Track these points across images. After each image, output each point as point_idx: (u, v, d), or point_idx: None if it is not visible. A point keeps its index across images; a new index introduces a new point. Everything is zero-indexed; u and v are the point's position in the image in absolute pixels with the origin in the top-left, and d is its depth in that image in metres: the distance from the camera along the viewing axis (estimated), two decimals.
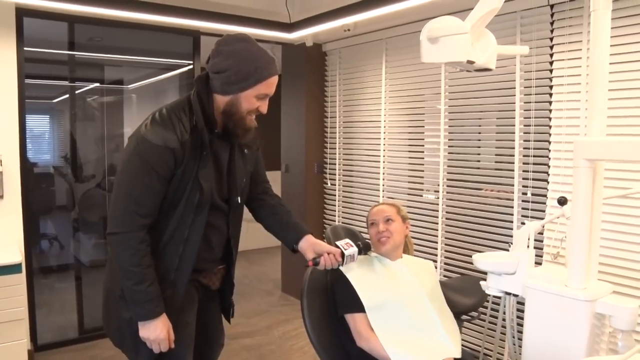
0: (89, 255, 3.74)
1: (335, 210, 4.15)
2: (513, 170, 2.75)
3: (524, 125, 2.71)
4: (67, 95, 3.59)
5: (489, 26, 1.66)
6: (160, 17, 3.16)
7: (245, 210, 1.80)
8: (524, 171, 2.73)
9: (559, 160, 2.52)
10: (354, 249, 1.73)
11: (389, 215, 1.95)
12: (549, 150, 2.58)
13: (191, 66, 3.78)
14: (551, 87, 2.56)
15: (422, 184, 3.44)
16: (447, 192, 3.17)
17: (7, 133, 2.93)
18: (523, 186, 2.73)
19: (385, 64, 3.59)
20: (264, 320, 3.87)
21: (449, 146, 3.16)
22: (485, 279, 1.97)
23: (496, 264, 1.89)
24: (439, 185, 3.19)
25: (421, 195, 3.42)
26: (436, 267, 3.16)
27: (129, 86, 4.05)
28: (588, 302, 1.61)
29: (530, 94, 2.66)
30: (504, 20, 2.70)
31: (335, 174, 4.15)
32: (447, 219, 3.17)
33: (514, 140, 2.75)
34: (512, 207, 2.77)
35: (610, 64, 1.73)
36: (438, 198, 3.20)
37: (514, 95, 2.73)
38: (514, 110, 2.73)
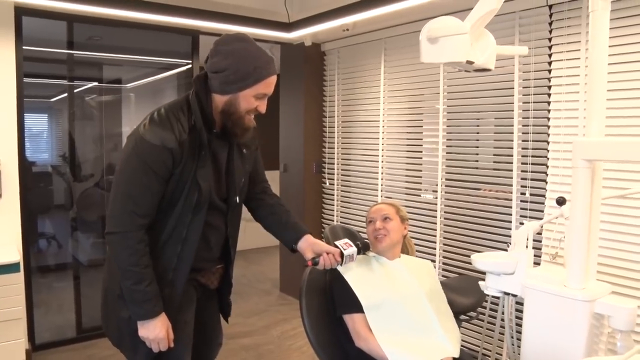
0: (87, 255, 3.73)
1: (333, 210, 4.15)
2: (512, 171, 2.76)
3: (523, 126, 2.71)
4: (65, 94, 3.59)
5: (487, 26, 1.67)
6: (159, 16, 3.16)
7: (244, 209, 1.80)
8: (522, 171, 2.73)
9: (558, 161, 2.53)
10: (353, 249, 1.73)
11: (387, 214, 1.95)
12: (548, 151, 2.58)
13: (190, 66, 3.78)
14: (550, 87, 2.56)
15: (421, 183, 3.44)
16: (446, 192, 3.17)
17: (5, 132, 2.92)
18: (522, 186, 2.73)
19: (384, 64, 3.59)
20: (262, 320, 3.87)
21: (447, 146, 3.16)
22: (483, 279, 1.97)
23: (495, 264, 1.89)
24: (437, 185, 3.19)
25: (419, 195, 3.43)
26: (435, 267, 3.16)
27: (128, 85, 4.04)
28: (587, 303, 1.61)
29: (529, 94, 2.66)
30: (503, 21, 2.70)
31: (333, 174, 4.15)
32: (445, 219, 3.17)
33: (512, 141, 2.75)
34: (511, 207, 2.77)
35: (609, 64, 1.73)
36: (436, 198, 3.20)
37: (513, 96, 2.73)
38: (513, 111, 2.74)
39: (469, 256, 2.19)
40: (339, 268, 1.78)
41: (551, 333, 1.69)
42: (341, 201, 4.11)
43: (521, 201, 2.74)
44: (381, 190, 3.68)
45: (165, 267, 1.54)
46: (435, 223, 3.21)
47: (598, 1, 1.59)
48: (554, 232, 2.36)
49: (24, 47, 2.99)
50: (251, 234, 3.82)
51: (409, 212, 3.05)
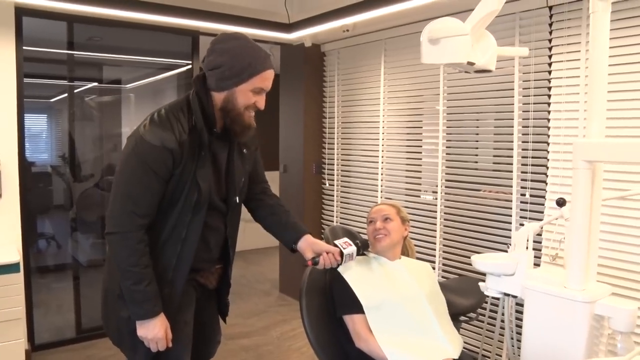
0: (86, 255, 3.73)
1: (333, 211, 4.15)
2: (512, 172, 2.75)
3: (523, 127, 2.71)
4: (65, 95, 3.59)
5: (488, 27, 1.67)
6: (159, 17, 3.16)
7: (243, 210, 1.80)
8: (522, 172, 2.73)
9: (558, 162, 2.53)
10: (352, 248, 1.73)
11: (388, 215, 1.96)
12: (548, 152, 2.58)
13: (190, 66, 3.78)
14: (550, 88, 2.56)
15: (420, 184, 3.44)
16: (446, 193, 3.17)
17: (5, 132, 2.92)
18: (522, 187, 2.73)
19: (384, 65, 3.59)
20: (262, 321, 3.87)
21: (447, 147, 3.16)
22: (483, 280, 1.97)
23: (495, 265, 1.89)
24: (437, 185, 3.19)
25: (419, 196, 3.42)
26: (434, 268, 3.16)
27: (127, 86, 4.04)
28: (587, 304, 1.61)
29: (529, 96, 2.66)
30: (503, 22, 2.70)
31: (333, 175, 4.15)
32: (445, 219, 3.17)
33: (512, 142, 2.75)
34: (511, 209, 2.77)
35: (609, 65, 1.73)
36: (436, 199, 3.20)
37: (513, 97, 2.73)
38: (513, 112, 2.74)
39: (469, 257, 2.18)
40: (339, 268, 1.78)
41: (551, 334, 1.68)
42: (341, 202, 4.10)
43: (521, 202, 2.74)
44: (381, 191, 3.68)
45: (165, 267, 1.54)
46: (435, 224, 3.21)
47: (598, 3, 1.59)
48: (554, 233, 2.35)
49: (24, 48, 2.99)
50: (251, 234, 3.82)
51: (408, 213, 3.05)
